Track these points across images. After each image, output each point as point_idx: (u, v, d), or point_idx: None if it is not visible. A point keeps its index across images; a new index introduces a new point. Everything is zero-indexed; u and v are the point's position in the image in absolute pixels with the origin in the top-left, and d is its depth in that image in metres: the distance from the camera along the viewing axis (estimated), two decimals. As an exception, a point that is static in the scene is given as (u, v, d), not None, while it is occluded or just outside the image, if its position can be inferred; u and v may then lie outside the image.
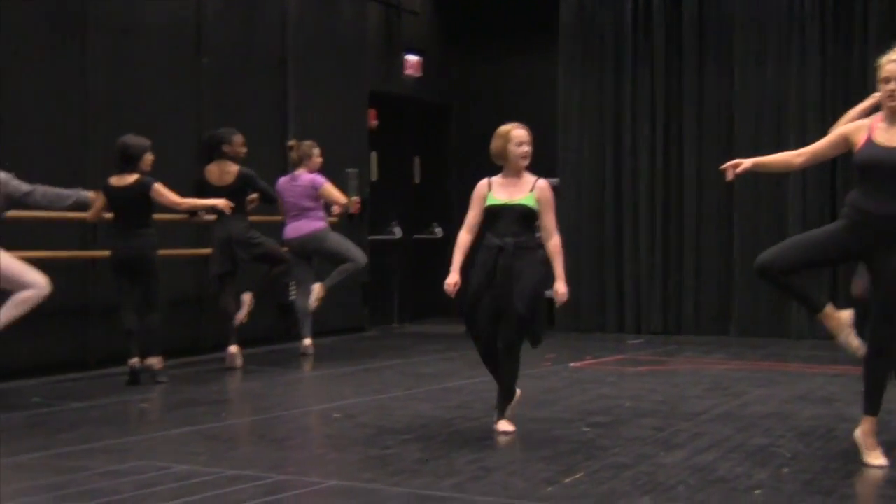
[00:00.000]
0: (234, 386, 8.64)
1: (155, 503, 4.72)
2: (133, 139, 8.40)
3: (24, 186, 7.62)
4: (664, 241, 12.25)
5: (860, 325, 5.69)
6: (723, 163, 5.93)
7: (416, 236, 13.84)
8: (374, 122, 12.74)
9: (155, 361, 8.43)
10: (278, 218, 10.21)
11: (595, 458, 5.62)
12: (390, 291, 13.31)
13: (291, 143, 10.35)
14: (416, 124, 14.11)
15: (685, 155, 12.18)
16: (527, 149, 6.36)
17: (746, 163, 5.77)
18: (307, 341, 10.15)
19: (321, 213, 10.14)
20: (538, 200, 6.32)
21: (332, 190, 10.10)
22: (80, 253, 9.05)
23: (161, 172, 8.56)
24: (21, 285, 7.44)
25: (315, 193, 10.05)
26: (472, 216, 6.43)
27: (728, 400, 7.58)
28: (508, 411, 6.39)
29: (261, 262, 9.46)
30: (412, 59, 13.64)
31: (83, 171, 8.89)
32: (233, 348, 9.26)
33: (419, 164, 14.16)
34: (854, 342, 5.64)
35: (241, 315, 9.35)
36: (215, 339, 9.79)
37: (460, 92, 14.24)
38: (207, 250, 9.56)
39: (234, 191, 9.16)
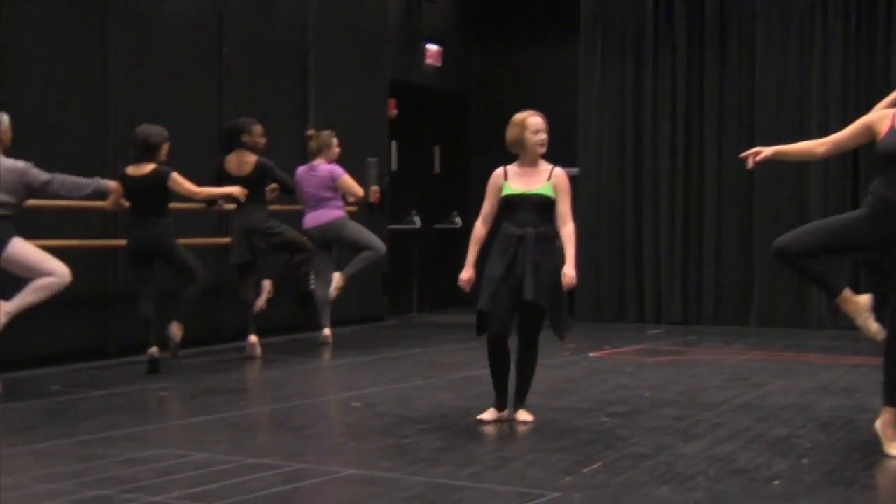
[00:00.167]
0: (253, 375, 8.66)
1: (174, 491, 4.74)
2: (152, 129, 8.42)
3: (44, 175, 7.60)
4: (684, 230, 12.20)
5: (879, 311, 5.65)
6: (744, 155, 5.92)
7: (435, 226, 13.84)
8: (394, 112, 12.73)
9: (176, 330, 8.43)
10: (298, 207, 10.21)
11: (614, 448, 5.62)
12: (410, 281, 13.33)
13: (310, 132, 10.35)
14: (436, 114, 14.10)
15: (706, 146, 12.12)
16: (543, 136, 6.31)
17: (767, 151, 5.74)
18: (327, 331, 10.15)
19: (339, 203, 10.15)
20: (555, 188, 6.28)
21: (350, 182, 10.10)
22: (100, 242, 9.08)
23: (181, 162, 8.58)
24: (41, 274, 7.42)
25: (333, 184, 10.06)
26: (488, 207, 6.38)
27: (748, 390, 7.55)
28: (524, 402, 6.42)
29: (281, 251, 9.46)
30: (432, 48, 13.63)
31: (104, 160, 8.92)
32: (252, 338, 9.28)
33: (439, 153, 14.16)
34: (873, 326, 5.60)
35: (261, 301, 9.35)
36: (235, 329, 9.81)
37: (480, 81, 14.23)
38: (227, 239, 9.58)
39: (252, 181, 9.16)
